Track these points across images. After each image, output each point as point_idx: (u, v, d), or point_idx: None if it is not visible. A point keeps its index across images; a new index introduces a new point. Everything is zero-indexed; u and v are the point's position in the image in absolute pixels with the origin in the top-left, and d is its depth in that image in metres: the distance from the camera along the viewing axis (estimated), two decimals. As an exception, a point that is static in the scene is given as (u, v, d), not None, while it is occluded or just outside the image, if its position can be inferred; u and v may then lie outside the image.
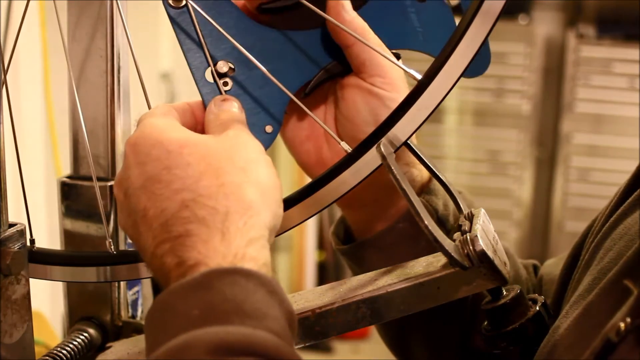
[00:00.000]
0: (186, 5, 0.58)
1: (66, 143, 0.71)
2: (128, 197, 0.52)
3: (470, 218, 0.61)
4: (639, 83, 2.94)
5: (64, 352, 0.66)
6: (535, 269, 0.80)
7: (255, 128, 0.60)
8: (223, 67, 0.59)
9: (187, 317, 0.46)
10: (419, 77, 0.57)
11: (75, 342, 0.68)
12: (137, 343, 0.65)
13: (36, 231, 0.64)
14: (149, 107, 0.58)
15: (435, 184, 0.69)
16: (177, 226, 0.49)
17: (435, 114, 0.59)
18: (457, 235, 0.59)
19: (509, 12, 3.01)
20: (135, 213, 0.51)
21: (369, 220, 0.70)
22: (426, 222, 0.57)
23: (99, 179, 0.69)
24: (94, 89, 0.68)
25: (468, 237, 0.57)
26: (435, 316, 0.72)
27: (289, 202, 0.60)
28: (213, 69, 0.59)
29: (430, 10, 0.65)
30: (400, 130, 0.58)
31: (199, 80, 0.59)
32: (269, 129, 0.61)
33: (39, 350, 0.63)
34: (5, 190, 0.59)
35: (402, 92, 0.63)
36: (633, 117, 2.89)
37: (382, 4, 0.63)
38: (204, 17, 0.58)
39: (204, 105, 0.59)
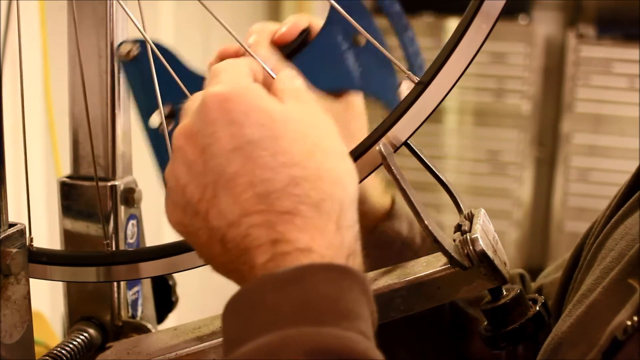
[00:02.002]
0: (136, 57, 0.64)
1: (66, 143, 0.71)
2: (207, 155, 0.47)
3: (470, 218, 0.61)
4: (639, 83, 2.93)
5: (64, 352, 0.66)
6: (523, 278, 0.80)
7: None
8: (166, 110, 0.64)
9: (278, 312, 0.43)
10: (417, 79, 0.58)
11: (75, 342, 0.68)
12: (137, 343, 0.65)
13: (36, 231, 0.64)
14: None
15: (396, 208, 0.71)
16: (283, 201, 0.45)
17: (435, 114, 0.59)
18: (457, 235, 0.59)
19: (509, 12, 3.01)
20: (218, 175, 0.46)
21: None
22: (426, 222, 0.57)
23: (99, 179, 0.69)
24: (94, 89, 0.68)
25: (468, 237, 0.57)
26: (413, 327, 0.72)
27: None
28: (162, 109, 0.63)
29: (370, 52, 0.65)
30: (400, 130, 0.58)
31: (144, 123, 0.65)
32: None
33: (39, 350, 0.63)
34: (5, 190, 0.59)
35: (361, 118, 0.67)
36: (633, 117, 2.89)
37: (317, 51, 0.65)
38: (153, 67, 0.63)
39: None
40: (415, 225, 0.71)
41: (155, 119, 0.64)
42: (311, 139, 0.48)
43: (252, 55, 0.57)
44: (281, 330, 0.42)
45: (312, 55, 0.64)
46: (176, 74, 0.63)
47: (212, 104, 0.47)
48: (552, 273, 0.78)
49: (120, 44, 0.65)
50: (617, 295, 0.54)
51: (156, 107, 0.63)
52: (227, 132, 0.47)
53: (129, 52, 0.64)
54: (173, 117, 0.64)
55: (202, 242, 0.48)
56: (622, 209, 0.64)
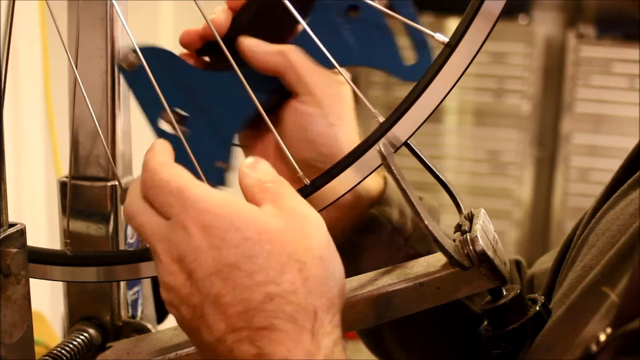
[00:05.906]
0: (140, 67, 0.62)
1: (66, 143, 0.71)
2: (194, 279, 0.51)
3: (470, 218, 0.61)
4: (639, 83, 2.93)
5: (64, 352, 0.66)
6: (519, 265, 0.80)
7: (211, 167, 0.63)
8: (174, 117, 0.63)
9: None
10: (382, 119, 0.58)
11: (75, 342, 0.68)
12: (137, 343, 0.65)
13: (36, 231, 0.64)
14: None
15: (388, 193, 0.71)
16: (259, 318, 0.49)
17: (435, 114, 0.59)
18: (457, 235, 0.60)
19: (509, 12, 3.01)
20: (205, 297, 0.51)
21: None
22: (426, 222, 0.57)
23: (99, 179, 0.69)
24: (94, 89, 0.68)
25: (468, 237, 0.57)
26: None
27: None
28: (172, 117, 0.62)
29: (365, 22, 0.65)
30: (400, 130, 0.58)
31: (156, 130, 0.64)
32: (224, 165, 0.64)
33: (39, 350, 0.63)
34: (5, 190, 0.59)
35: (331, 106, 0.65)
36: (633, 117, 2.89)
37: (313, 28, 0.63)
38: (155, 74, 0.61)
39: None
40: (407, 211, 0.71)
41: (165, 125, 0.64)
42: (286, 251, 0.50)
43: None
44: None
45: (306, 34, 0.62)
46: (180, 75, 0.63)
47: (194, 230, 0.51)
48: (546, 261, 0.77)
49: (120, 53, 0.63)
50: (592, 301, 0.54)
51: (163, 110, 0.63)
52: (209, 257, 0.50)
53: (129, 62, 0.63)
54: (181, 122, 0.63)
55: (199, 347, 0.53)
56: (606, 204, 0.63)
